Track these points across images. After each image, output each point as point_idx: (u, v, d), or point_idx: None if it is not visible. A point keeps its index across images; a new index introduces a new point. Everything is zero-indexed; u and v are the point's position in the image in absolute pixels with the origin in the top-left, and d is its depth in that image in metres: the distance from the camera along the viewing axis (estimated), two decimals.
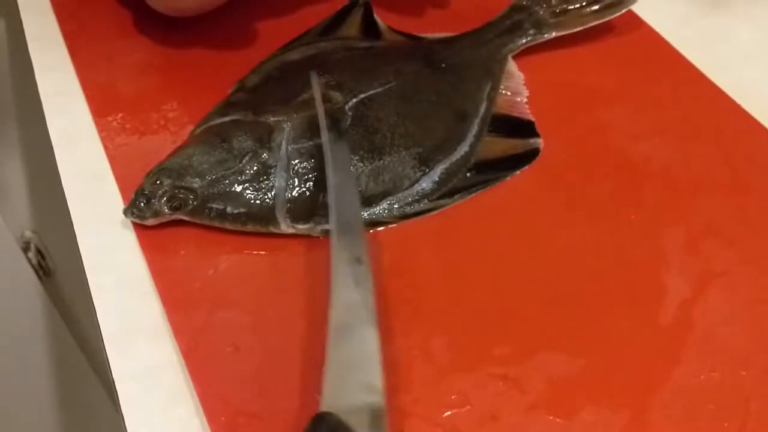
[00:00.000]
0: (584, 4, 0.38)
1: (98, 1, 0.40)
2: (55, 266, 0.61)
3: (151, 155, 0.32)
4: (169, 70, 0.37)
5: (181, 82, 0.36)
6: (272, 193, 0.30)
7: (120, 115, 0.35)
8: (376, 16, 0.38)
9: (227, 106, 0.34)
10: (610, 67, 0.38)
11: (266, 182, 0.30)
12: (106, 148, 0.34)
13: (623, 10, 0.38)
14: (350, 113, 0.32)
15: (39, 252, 0.63)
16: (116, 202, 0.31)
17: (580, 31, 0.38)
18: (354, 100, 0.33)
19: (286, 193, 0.30)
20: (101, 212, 0.31)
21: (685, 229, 0.31)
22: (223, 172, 0.30)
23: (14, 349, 0.55)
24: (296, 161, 0.30)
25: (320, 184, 0.30)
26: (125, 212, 0.30)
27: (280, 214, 0.30)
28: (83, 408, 0.60)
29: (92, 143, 0.34)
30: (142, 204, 0.29)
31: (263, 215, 0.30)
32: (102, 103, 0.36)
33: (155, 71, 0.37)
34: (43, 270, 0.62)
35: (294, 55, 0.36)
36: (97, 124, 0.35)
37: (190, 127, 0.34)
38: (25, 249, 0.60)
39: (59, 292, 0.59)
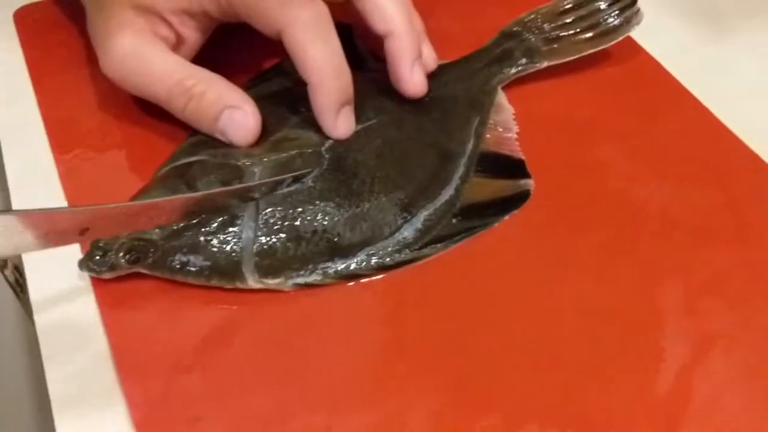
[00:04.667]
0: (578, 30, 0.36)
1: (66, 28, 0.38)
2: None
3: (114, 197, 0.29)
4: (136, 103, 0.34)
5: (149, 116, 0.34)
6: (239, 245, 0.27)
7: (82, 150, 0.33)
8: (357, 41, 0.36)
9: (196, 144, 0.31)
10: (607, 99, 0.35)
11: (233, 233, 0.28)
12: (65, 188, 0.32)
13: (620, 38, 0.36)
14: (327, 155, 0.30)
15: (16, 269, 0.62)
16: (72, 249, 0.29)
17: (575, 60, 0.36)
18: (331, 141, 0.30)
19: (254, 246, 0.28)
20: (56, 260, 0.28)
21: (684, 285, 0.28)
22: (185, 223, 0.27)
23: None
24: (265, 210, 0.28)
25: (292, 234, 0.28)
26: (80, 265, 0.28)
27: (247, 269, 0.27)
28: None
29: (50, 182, 0.32)
30: (97, 257, 0.27)
31: (229, 270, 0.27)
32: (63, 136, 0.33)
33: (122, 103, 0.34)
34: (20, 287, 0.60)
35: (268, 88, 0.34)
36: (57, 160, 0.33)
37: (158, 165, 0.31)
38: (2, 267, 0.59)
39: None
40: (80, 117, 0.34)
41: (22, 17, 0.39)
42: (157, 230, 0.27)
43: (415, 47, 0.31)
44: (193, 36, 0.32)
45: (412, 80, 0.31)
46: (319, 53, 0.29)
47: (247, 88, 0.34)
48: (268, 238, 0.28)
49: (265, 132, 0.31)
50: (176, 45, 0.32)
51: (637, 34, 0.36)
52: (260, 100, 0.32)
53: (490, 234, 0.30)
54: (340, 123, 0.30)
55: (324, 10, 0.29)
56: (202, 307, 0.28)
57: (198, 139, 0.32)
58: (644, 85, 0.36)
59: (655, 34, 0.38)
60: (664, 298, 0.28)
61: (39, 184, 0.32)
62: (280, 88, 0.34)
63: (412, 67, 0.31)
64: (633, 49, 0.37)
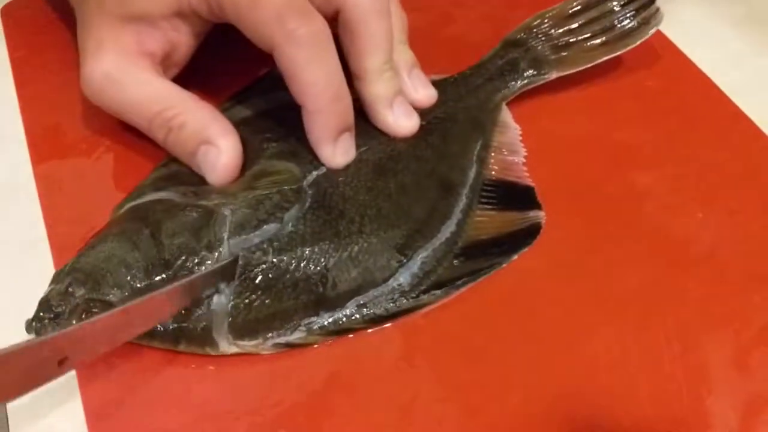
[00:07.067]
0: (590, 35, 0.32)
1: (58, 28, 0.34)
2: None
3: (98, 217, 0.26)
4: None
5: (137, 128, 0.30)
6: (210, 305, 0.24)
7: (64, 163, 0.29)
8: None
9: (167, 177, 0.28)
10: (635, 115, 0.31)
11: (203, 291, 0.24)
12: (43, 207, 0.28)
13: (637, 43, 0.32)
14: (310, 191, 0.26)
15: None
16: (46, 281, 0.25)
17: (596, 70, 0.31)
18: (315, 173, 0.27)
19: (228, 305, 0.24)
20: (25, 295, 0.24)
21: (734, 337, 0.25)
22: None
23: None
24: (240, 260, 0.24)
25: (270, 287, 0.24)
26: (27, 328, 0.24)
27: (219, 332, 0.24)
28: None
29: (27, 199, 0.28)
30: (47, 319, 0.23)
31: (197, 335, 0.24)
32: (45, 147, 0.30)
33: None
34: None
35: (246, 111, 0.30)
36: (36, 174, 0.29)
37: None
38: None
39: None
40: (66, 127, 0.31)
41: (9, 13, 0.35)
42: (115, 290, 0.24)
43: (390, 90, 0.28)
44: (185, 41, 0.29)
45: (397, 123, 0.28)
46: (315, 76, 0.26)
47: (235, 103, 0.30)
48: (243, 294, 0.24)
49: (246, 163, 0.27)
50: (168, 55, 0.29)
51: (681, 41, 0.32)
52: (243, 124, 0.29)
53: (496, 276, 0.26)
54: (339, 152, 0.27)
55: (323, 26, 0.26)
56: (172, 374, 0.24)
57: (170, 170, 0.28)
58: (683, 100, 0.32)
59: (702, 42, 0.33)
60: (710, 351, 0.24)
61: (13, 203, 0.28)
62: (259, 111, 0.30)
63: (392, 111, 0.28)
64: (675, 58, 0.33)
